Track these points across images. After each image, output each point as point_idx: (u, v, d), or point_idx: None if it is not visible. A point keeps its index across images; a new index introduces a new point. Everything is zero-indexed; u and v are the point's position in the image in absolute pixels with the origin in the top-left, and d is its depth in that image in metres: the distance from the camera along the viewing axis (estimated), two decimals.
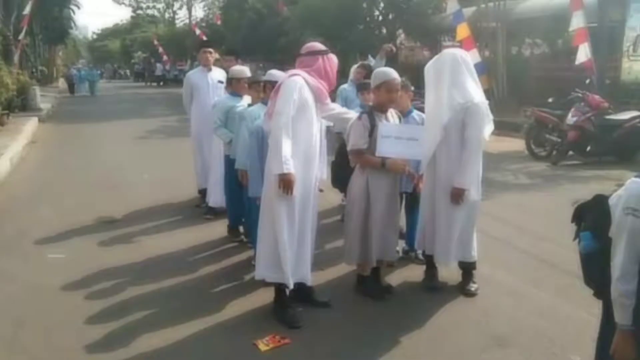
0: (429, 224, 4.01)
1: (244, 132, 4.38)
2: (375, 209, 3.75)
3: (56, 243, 5.19)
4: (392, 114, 3.89)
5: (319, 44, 3.71)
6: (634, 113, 8.65)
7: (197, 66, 6.68)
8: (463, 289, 3.98)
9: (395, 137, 3.61)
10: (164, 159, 9.67)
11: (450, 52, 3.93)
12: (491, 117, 3.92)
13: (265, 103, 4.38)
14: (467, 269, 4.04)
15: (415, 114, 4.43)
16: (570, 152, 8.95)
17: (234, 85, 5.18)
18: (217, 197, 5.73)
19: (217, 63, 6.58)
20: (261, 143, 3.83)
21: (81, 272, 4.43)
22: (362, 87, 5.03)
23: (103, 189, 7.41)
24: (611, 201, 1.98)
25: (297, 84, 3.44)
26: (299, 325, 3.48)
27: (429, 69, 3.94)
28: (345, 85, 6.11)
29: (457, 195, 3.78)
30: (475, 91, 3.79)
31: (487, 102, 3.89)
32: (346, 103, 5.57)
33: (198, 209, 6.20)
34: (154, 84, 38.42)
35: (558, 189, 7.20)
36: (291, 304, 3.64)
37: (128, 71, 51.76)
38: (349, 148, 3.77)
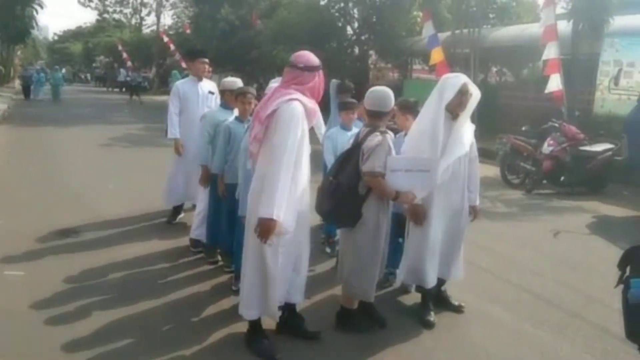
0: (436, 250, 3.83)
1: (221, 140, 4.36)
2: (384, 236, 3.53)
3: (14, 259, 4.72)
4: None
5: (314, 56, 3.27)
6: (607, 145, 8.76)
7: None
8: (452, 307, 4.05)
9: (405, 170, 3.38)
10: (130, 169, 9.22)
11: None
12: None
13: None
14: (440, 285, 4.07)
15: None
16: (544, 181, 9.00)
17: (225, 98, 4.87)
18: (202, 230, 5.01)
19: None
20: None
21: (42, 291, 4.02)
22: (345, 107, 4.73)
23: (65, 199, 6.92)
24: None
25: (300, 116, 3.08)
26: (275, 357, 3.21)
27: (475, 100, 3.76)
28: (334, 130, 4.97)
29: (477, 213, 4.06)
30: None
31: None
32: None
33: (169, 224, 5.86)
34: (116, 89, 37.45)
35: (537, 219, 7.16)
36: (266, 335, 3.35)
37: (89, 75, 50.34)
38: (369, 169, 3.34)
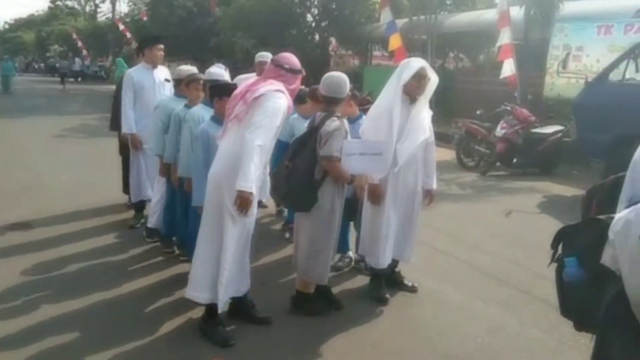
0: (392, 231, 3.90)
1: (187, 136, 4.07)
2: (338, 220, 3.59)
3: None
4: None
5: (297, 60, 3.37)
6: (557, 127, 9.04)
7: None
8: (406, 287, 4.14)
9: (360, 154, 3.42)
10: (84, 160, 9.02)
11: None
12: None
13: (206, 103, 4.12)
14: (394, 266, 4.17)
15: (363, 120, 4.31)
16: (498, 163, 9.23)
17: (181, 87, 4.76)
18: (159, 219, 4.93)
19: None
20: (206, 148, 3.54)
21: None
22: (300, 98, 4.68)
23: (16, 192, 6.73)
24: (615, 227, 1.75)
25: (285, 106, 3.18)
26: (231, 344, 3.23)
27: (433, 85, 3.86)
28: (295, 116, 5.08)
29: (433, 197, 4.09)
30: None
31: None
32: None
33: (128, 220, 5.67)
34: (71, 79, 36.37)
35: (490, 199, 7.34)
36: (222, 322, 3.37)
37: (42, 65, 48.64)
38: (327, 154, 3.36)
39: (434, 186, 4.09)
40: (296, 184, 3.45)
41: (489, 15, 13.55)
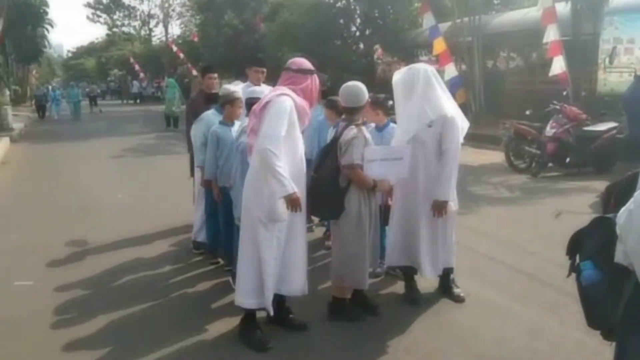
0: (407, 238, 3.93)
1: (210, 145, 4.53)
2: (369, 226, 3.63)
3: (24, 269, 4.93)
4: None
5: (308, 62, 3.52)
6: (611, 124, 8.69)
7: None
8: (451, 296, 4.01)
9: (381, 160, 3.50)
10: (139, 179, 9.46)
11: (421, 67, 3.92)
12: (467, 123, 3.96)
13: (217, 109, 4.76)
14: (447, 275, 4.07)
15: (391, 127, 4.37)
16: (550, 164, 8.97)
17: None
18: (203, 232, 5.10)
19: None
20: (245, 161, 3.70)
21: (49, 300, 4.20)
22: (329, 105, 4.78)
23: (75, 211, 7.14)
24: (620, 220, 1.69)
25: (289, 107, 3.27)
26: (268, 348, 3.33)
27: (397, 83, 3.90)
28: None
29: (440, 208, 3.78)
30: (447, 104, 3.81)
31: (461, 113, 3.91)
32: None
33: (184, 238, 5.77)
34: (131, 101, 38.05)
35: (539, 201, 7.16)
36: (259, 326, 3.48)
37: (105, 87, 51.06)
38: (348, 162, 3.47)
39: (441, 197, 3.77)
40: (323, 193, 3.56)
41: (534, 13, 13.21)
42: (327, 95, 5.00)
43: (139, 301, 4.14)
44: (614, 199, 2.09)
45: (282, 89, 3.37)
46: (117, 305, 4.07)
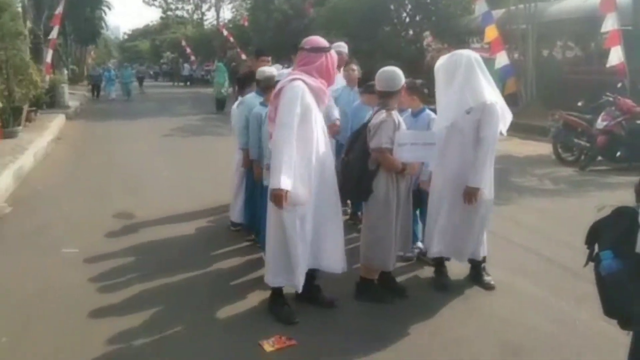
0: (439, 223, 3.92)
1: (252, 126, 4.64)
2: (397, 210, 3.65)
3: (72, 238, 5.20)
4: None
5: (322, 40, 3.52)
6: None
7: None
8: (481, 283, 4.00)
9: (412, 144, 3.51)
10: (185, 157, 9.74)
11: (464, 53, 3.85)
12: (510, 114, 3.88)
13: (257, 92, 4.82)
14: (477, 265, 4.06)
15: (426, 113, 4.36)
16: (600, 158, 8.67)
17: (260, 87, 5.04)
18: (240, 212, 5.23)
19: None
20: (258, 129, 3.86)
21: (94, 267, 4.43)
22: (368, 89, 4.80)
23: (123, 185, 7.46)
24: None
25: (299, 92, 3.29)
26: (295, 322, 3.43)
27: (439, 70, 3.87)
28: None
29: (472, 195, 3.75)
30: (488, 92, 3.74)
31: (502, 100, 3.83)
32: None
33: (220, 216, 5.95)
34: (181, 83, 38.88)
35: (585, 195, 6.94)
36: (287, 302, 3.58)
37: (158, 68, 52.31)
38: (376, 145, 3.51)
39: (472, 184, 3.73)
40: (352, 176, 3.62)
41: (593, 0, 12.68)
42: (366, 81, 5.02)
43: (176, 272, 4.31)
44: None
45: (294, 74, 3.40)
46: (156, 274, 4.26)
